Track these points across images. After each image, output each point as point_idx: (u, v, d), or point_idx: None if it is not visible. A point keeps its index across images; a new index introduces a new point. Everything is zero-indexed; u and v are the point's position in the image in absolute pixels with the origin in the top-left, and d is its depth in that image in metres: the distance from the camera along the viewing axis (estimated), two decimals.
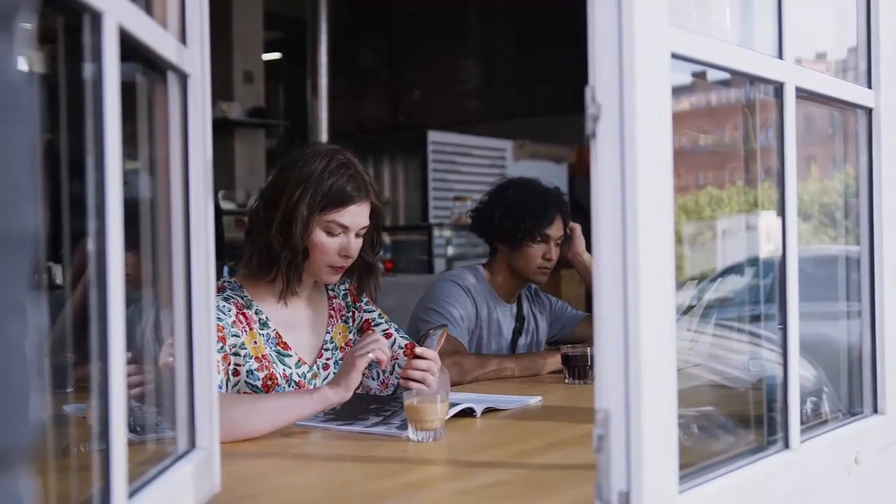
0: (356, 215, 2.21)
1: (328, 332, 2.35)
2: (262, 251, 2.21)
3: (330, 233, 2.20)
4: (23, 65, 0.58)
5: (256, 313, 2.23)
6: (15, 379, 0.56)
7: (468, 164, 8.27)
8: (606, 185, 1.18)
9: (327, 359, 2.33)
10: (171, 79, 1.33)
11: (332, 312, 2.39)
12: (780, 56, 1.52)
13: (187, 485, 1.29)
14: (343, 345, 2.37)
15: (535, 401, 2.36)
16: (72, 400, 1.42)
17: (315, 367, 2.29)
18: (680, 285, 1.29)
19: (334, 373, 2.29)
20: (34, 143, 0.58)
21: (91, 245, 1.01)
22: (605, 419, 1.18)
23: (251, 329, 2.19)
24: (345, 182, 2.18)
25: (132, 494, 1.09)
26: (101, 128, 1.00)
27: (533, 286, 3.21)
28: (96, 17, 0.99)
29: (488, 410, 2.20)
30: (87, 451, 1.45)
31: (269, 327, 2.23)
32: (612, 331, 1.17)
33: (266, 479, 1.66)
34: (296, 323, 2.30)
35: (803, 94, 1.58)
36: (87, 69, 1.01)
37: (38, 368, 0.58)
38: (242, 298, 2.21)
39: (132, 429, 1.24)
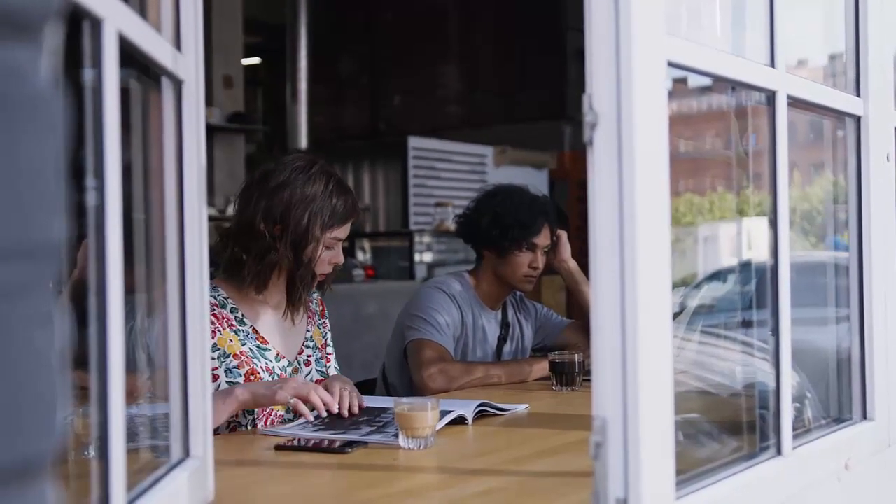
0: (349, 228, 2.36)
1: (308, 331, 2.45)
2: (269, 268, 2.27)
3: (329, 247, 2.32)
4: (50, 74, 0.58)
5: (231, 311, 2.29)
6: (43, 389, 0.56)
7: (449, 170, 8.26)
8: (604, 192, 1.18)
9: (308, 355, 2.42)
10: (166, 85, 1.32)
11: (311, 314, 2.48)
12: (772, 64, 1.52)
13: (182, 494, 1.28)
14: (320, 345, 2.47)
15: (522, 408, 2.36)
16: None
17: (296, 363, 2.37)
18: None
19: (316, 370, 2.42)
20: (61, 153, 0.58)
21: (90, 251, 1.00)
22: (603, 426, 1.18)
23: (224, 329, 2.25)
24: (345, 201, 2.32)
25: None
26: (100, 133, 0.99)
27: (518, 293, 3.21)
28: (96, 23, 0.98)
29: (481, 412, 2.21)
30: (77, 459, 1.44)
31: (245, 324, 2.30)
32: (610, 338, 1.17)
33: (259, 488, 1.66)
34: (275, 321, 2.36)
35: (793, 102, 1.59)
36: (86, 75, 1.00)
37: (63, 378, 0.58)
38: (216, 298, 2.24)
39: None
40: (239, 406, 2.06)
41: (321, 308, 2.54)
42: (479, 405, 2.21)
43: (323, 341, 2.49)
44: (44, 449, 0.56)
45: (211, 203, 7.09)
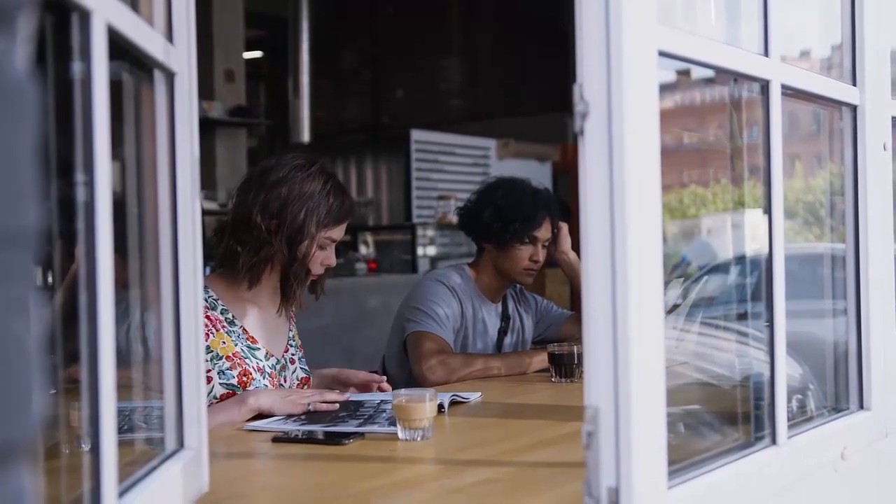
0: (344, 230, 2.39)
1: (291, 331, 2.49)
2: (263, 262, 2.29)
3: (322, 247, 2.34)
4: (24, 63, 0.58)
5: (222, 313, 2.32)
6: (19, 375, 0.56)
7: (452, 164, 8.26)
8: (594, 183, 1.18)
9: (292, 354, 2.47)
10: (158, 77, 1.32)
11: (291, 314, 2.52)
12: (766, 54, 1.52)
13: (176, 485, 1.29)
14: (299, 345, 2.52)
15: (475, 397, 2.39)
16: (58, 401, 1.41)
17: (283, 360, 2.41)
18: (665, 283, 1.29)
19: (300, 367, 2.46)
20: (36, 142, 0.59)
21: (80, 246, 1.01)
22: (595, 415, 1.18)
23: (218, 330, 2.27)
24: (342, 202, 2.34)
25: (121, 494, 1.09)
26: (89, 127, 0.99)
27: (518, 285, 3.21)
28: (85, 16, 0.98)
29: (454, 403, 2.26)
30: (72, 451, 1.45)
31: (236, 325, 2.32)
32: (601, 327, 1.18)
33: (254, 480, 1.66)
34: (262, 320, 2.39)
35: (789, 92, 1.59)
36: (76, 67, 1.01)
37: (40, 365, 0.59)
38: (206, 300, 2.26)
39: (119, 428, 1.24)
40: (254, 413, 2.11)
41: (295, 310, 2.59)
42: (452, 399, 2.26)
43: (300, 341, 2.54)
44: (20, 435, 0.57)
45: (213, 198, 7.09)
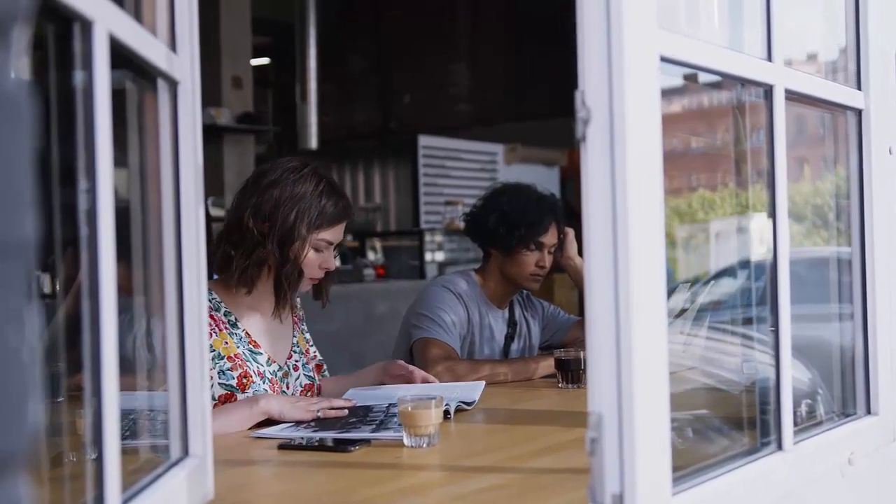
0: (341, 232, 2.38)
1: (294, 337, 2.49)
2: (256, 265, 2.29)
3: (317, 249, 2.33)
4: (20, 74, 0.58)
5: (225, 315, 2.33)
6: (14, 386, 0.56)
7: (459, 169, 8.26)
8: (597, 189, 1.18)
9: (296, 361, 2.46)
10: (161, 86, 1.33)
11: (296, 320, 2.52)
12: (770, 58, 1.52)
13: (181, 492, 1.29)
14: (304, 350, 2.51)
15: (479, 388, 2.41)
16: (64, 409, 1.41)
17: (286, 367, 2.41)
18: (672, 288, 1.29)
19: (304, 374, 2.46)
20: (32, 152, 0.59)
21: (82, 254, 1.01)
22: (598, 422, 1.18)
23: (221, 331, 2.29)
24: (335, 203, 2.33)
25: (126, 502, 1.09)
26: (91, 135, 1.00)
27: (525, 291, 3.21)
28: (87, 25, 0.99)
29: (458, 410, 2.24)
30: (78, 459, 1.45)
31: (239, 328, 2.33)
32: (604, 333, 1.18)
33: (260, 487, 1.66)
34: (265, 326, 2.40)
35: (793, 96, 1.58)
36: (78, 77, 1.01)
37: (36, 375, 0.59)
38: (210, 301, 2.27)
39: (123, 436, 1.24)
40: (264, 416, 2.10)
41: (303, 312, 2.59)
42: (457, 406, 2.24)
43: (307, 346, 2.53)
44: (15, 446, 0.57)
45: (220, 204, 7.09)
